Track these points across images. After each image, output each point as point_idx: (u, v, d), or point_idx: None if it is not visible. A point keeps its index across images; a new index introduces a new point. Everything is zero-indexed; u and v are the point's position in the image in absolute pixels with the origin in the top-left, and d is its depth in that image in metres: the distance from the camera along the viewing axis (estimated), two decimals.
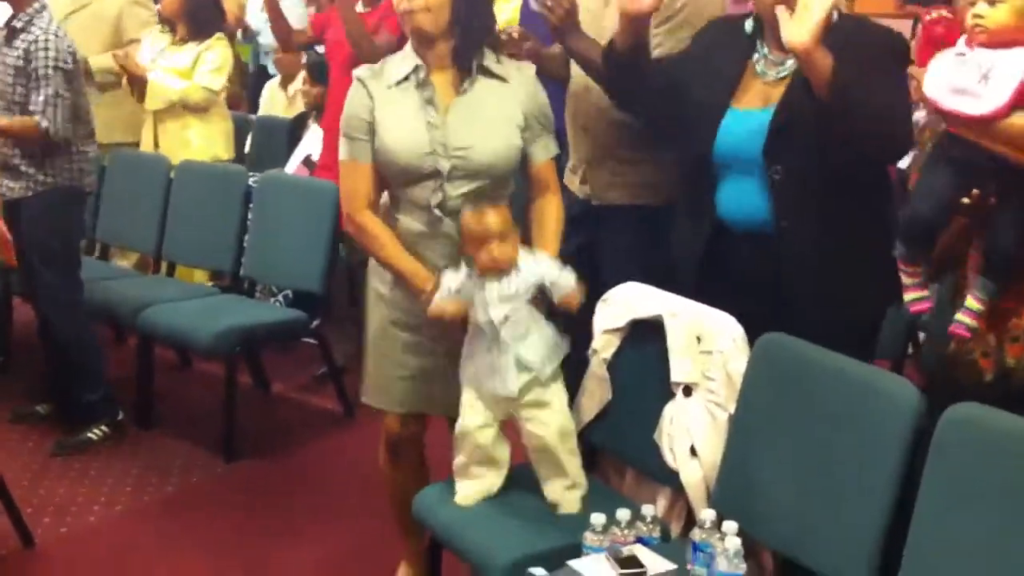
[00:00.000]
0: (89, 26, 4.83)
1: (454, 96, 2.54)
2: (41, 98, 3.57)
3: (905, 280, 2.26)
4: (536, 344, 2.44)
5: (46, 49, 3.57)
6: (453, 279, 2.44)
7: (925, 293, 2.25)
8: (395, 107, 2.53)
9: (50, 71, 3.57)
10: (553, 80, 3.02)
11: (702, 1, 2.84)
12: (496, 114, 2.55)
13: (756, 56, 2.48)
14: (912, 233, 2.22)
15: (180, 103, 4.73)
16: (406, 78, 2.54)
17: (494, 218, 2.40)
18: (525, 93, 2.58)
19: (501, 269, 2.40)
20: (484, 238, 2.39)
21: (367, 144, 2.55)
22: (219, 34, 4.79)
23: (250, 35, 6.87)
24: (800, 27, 2.18)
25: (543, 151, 2.62)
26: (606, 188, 2.99)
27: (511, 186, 2.63)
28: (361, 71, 2.59)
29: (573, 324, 2.54)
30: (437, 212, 2.53)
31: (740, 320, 2.38)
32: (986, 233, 2.18)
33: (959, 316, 2.17)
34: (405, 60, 2.57)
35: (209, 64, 4.72)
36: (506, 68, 2.59)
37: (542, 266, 2.45)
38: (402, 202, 2.59)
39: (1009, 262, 2.13)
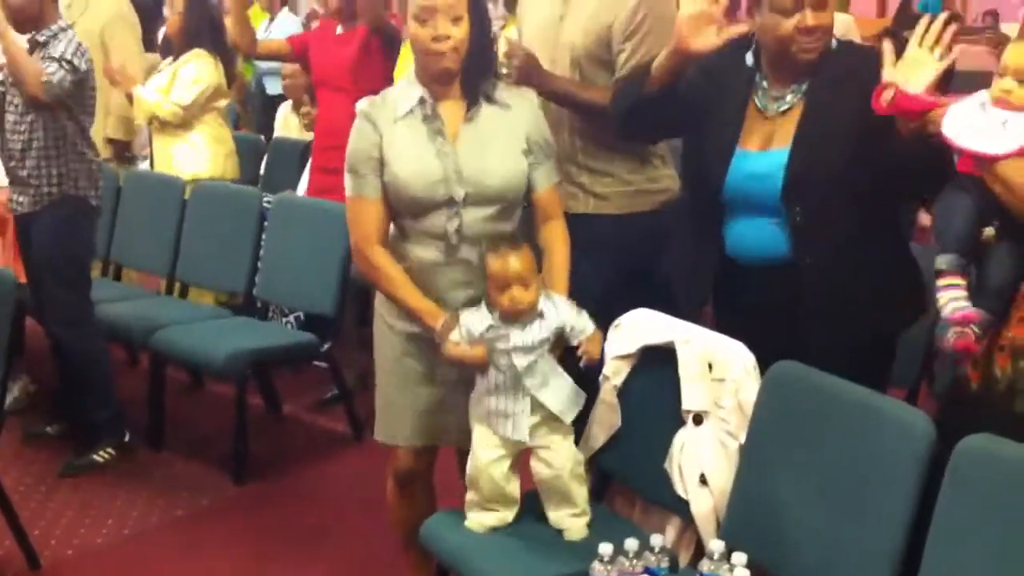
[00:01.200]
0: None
1: (460, 124, 2.53)
2: (55, 60, 3.56)
3: (951, 294, 2.22)
4: (558, 392, 2.44)
5: (68, 48, 3.59)
6: (474, 322, 2.43)
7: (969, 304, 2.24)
8: (403, 139, 2.52)
9: (68, 55, 3.58)
10: None
11: (659, 9, 2.89)
12: (503, 140, 2.54)
13: (754, 88, 2.45)
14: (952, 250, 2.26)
15: (146, 117, 4.76)
16: (411, 110, 2.53)
17: (516, 263, 2.38)
18: (527, 119, 2.58)
19: (522, 314, 2.39)
20: (505, 282, 2.39)
21: (375, 180, 2.53)
22: (198, 50, 4.76)
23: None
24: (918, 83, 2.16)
25: (546, 178, 2.60)
26: (567, 198, 2.99)
27: (520, 210, 2.62)
28: (363, 105, 2.58)
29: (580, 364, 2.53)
30: (454, 240, 2.52)
31: (749, 346, 2.36)
32: (980, 268, 2.23)
33: (952, 338, 2.18)
34: (409, 91, 2.55)
35: (182, 79, 4.73)
36: (508, 95, 2.58)
37: (562, 312, 2.44)
38: (413, 233, 2.57)
39: (1001, 296, 2.17)
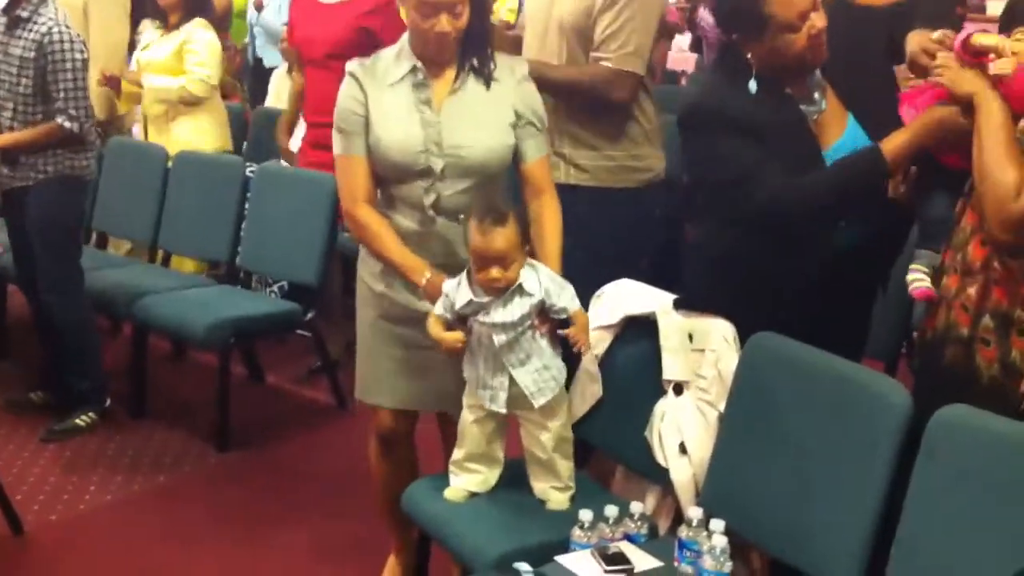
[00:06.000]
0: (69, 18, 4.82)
1: (447, 95, 2.53)
2: (62, 95, 3.58)
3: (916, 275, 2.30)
4: (535, 373, 2.40)
5: (61, 42, 3.55)
6: (457, 294, 2.39)
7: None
8: (389, 104, 2.52)
9: (67, 64, 3.56)
10: None
11: None
12: (489, 112, 2.54)
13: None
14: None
15: (179, 100, 4.72)
16: (401, 78, 2.53)
17: (500, 242, 2.32)
18: (517, 92, 2.57)
19: (499, 291, 2.35)
20: (485, 260, 2.34)
21: (361, 138, 2.54)
22: (199, 20, 4.73)
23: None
24: None
25: (535, 149, 2.60)
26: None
27: (502, 182, 2.63)
28: (352, 65, 2.58)
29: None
30: (431, 212, 2.53)
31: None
32: (917, 204, 2.29)
33: (914, 282, 2.25)
34: (401, 59, 2.55)
35: (199, 54, 4.69)
36: (498, 67, 2.57)
37: (544, 285, 2.38)
38: (395, 200, 2.58)
39: (943, 227, 2.22)
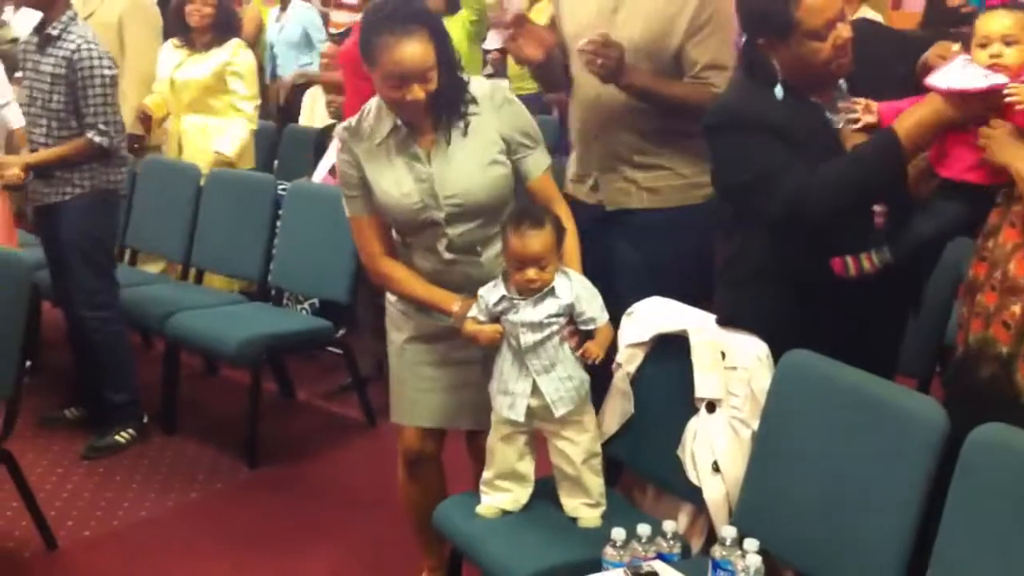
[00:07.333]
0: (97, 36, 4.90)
1: (432, 144, 2.52)
2: (91, 110, 3.63)
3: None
4: (558, 380, 2.41)
5: (90, 58, 3.61)
6: (491, 294, 2.44)
7: None
8: (380, 163, 2.54)
9: (96, 80, 3.61)
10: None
11: (724, 5, 2.88)
12: (475, 155, 2.52)
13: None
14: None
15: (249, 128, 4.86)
16: (386, 136, 2.53)
17: (535, 244, 2.36)
18: (500, 117, 2.54)
19: (535, 291, 2.39)
20: (522, 262, 2.38)
21: (364, 198, 2.58)
22: (238, 40, 4.83)
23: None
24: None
25: (535, 166, 2.58)
26: (619, 194, 3.01)
27: (510, 205, 2.60)
28: (339, 130, 2.61)
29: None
30: (447, 254, 2.56)
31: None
32: (914, 214, 2.29)
33: (848, 259, 2.28)
34: (381, 119, 2.54)
35: (239, 73, 4.79)
36: (477, 98, 2.53)
37: (576, 290, 2.41)
38: (411, 245, 2.63)
39: (917, 249, 2.28)
